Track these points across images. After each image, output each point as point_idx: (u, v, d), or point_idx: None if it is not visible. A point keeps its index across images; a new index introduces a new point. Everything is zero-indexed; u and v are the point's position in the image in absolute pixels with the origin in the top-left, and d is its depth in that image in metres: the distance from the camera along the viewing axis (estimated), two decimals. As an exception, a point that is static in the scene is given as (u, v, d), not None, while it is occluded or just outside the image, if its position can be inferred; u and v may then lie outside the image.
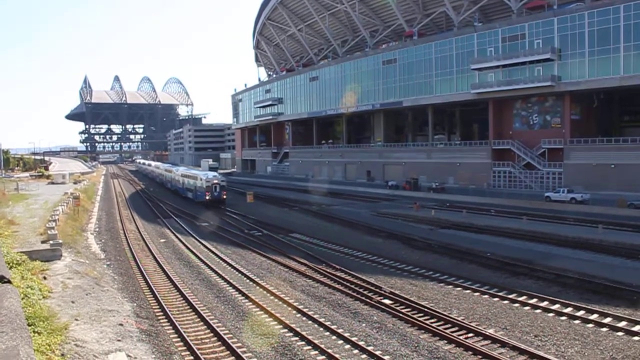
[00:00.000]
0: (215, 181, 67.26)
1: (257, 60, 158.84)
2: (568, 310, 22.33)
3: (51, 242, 29.09)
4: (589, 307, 22.35)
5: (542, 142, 73.49)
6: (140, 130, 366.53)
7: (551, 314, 22.10)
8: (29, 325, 15.67)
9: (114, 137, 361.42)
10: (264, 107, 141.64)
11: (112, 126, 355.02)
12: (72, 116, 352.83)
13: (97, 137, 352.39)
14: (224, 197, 67.90)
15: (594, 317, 21.36)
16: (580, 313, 21.87)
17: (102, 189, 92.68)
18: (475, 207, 58.75)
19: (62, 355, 15.12)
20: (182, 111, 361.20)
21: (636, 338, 19.13)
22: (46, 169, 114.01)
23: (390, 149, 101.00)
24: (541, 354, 17.59)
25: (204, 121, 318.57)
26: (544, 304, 23.27)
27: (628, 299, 23.66)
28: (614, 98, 75.74)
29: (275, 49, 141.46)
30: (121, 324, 19.94)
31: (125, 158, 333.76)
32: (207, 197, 66.13)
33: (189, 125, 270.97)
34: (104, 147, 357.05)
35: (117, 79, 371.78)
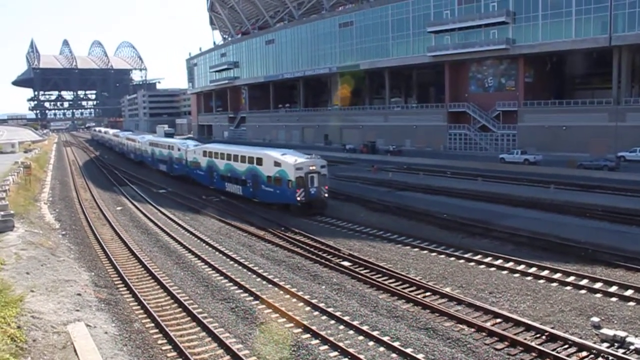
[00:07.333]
0: (312, 167, 37.29)
1: (212, 23, 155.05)
2: (521, 267, 23.11)
3: (2, 213, 28.28)
4: (540, 264, 23.13)
5: (497, 105, 74.65)
6: (93, 97, 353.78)
7: (505, 272, 22.84)
8: (-20, 298, 15.37)
9: (65, 104, 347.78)
10: (219, 71, 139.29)
11: (62, 92, 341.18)
12: (20, 82, 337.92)
13: (47, 104, 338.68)
14: (326, 195, 38.33)
15: (545, 273, 22.19)
16: (532, 270, 22.65)
17: (54, 158, 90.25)
18: (432, 169, 59.52)
19: (19, 327, 14.87)
20: (136, 76, 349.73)
21: (582, 291, 19.99)
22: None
23: (348, 113, 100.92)
24: (495, 309, 18.24)
25: (158, 86, 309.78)
26: (499, 262, 24.00)
27: (576, 255, 24.57)
28: (566, 61, 77.16)
29: (231, 12, 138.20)
30: (79, 294, 19.71)
31: (78, 125, 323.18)
32: (299, 197, 36.57)
33: (143, 90, 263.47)
34: (54, 114, 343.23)
35: (66, 43, 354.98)
